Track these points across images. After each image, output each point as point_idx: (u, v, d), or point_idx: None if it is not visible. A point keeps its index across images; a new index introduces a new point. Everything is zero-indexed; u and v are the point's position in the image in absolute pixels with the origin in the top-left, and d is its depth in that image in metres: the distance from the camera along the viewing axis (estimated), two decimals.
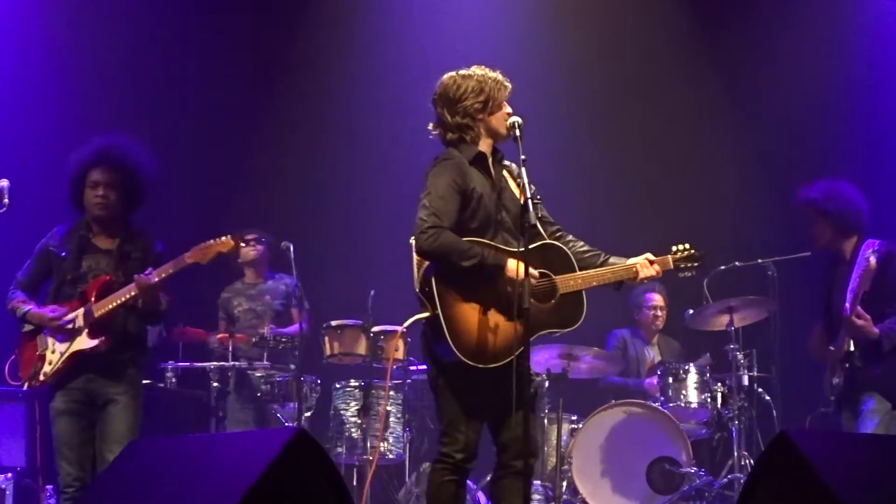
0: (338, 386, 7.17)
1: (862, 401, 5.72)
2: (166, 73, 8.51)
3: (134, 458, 3.85)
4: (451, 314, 4.37)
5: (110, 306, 5.29)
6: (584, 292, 4.48)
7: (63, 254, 5.45)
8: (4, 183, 5.34)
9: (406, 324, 6.58)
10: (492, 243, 4.42)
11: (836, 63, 8.26)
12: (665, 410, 6.90)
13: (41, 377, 5.35)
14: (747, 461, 6.67)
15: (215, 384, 7.18)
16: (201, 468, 3.45)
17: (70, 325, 5.31)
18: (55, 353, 5.35)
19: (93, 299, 5.32)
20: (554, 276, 4.44)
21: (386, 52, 8.82)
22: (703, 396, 7.01)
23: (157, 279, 5.26)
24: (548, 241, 4.52)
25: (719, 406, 7.01)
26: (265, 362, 7.27)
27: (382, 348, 6.94)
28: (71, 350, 5.31)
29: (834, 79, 8.26)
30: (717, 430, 7.20)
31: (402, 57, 8.71)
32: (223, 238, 5.42)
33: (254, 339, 7.33)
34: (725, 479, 6.74)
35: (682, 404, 7.01)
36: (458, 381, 4.44)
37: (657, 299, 7.88)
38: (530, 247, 4.34)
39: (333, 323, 7.15)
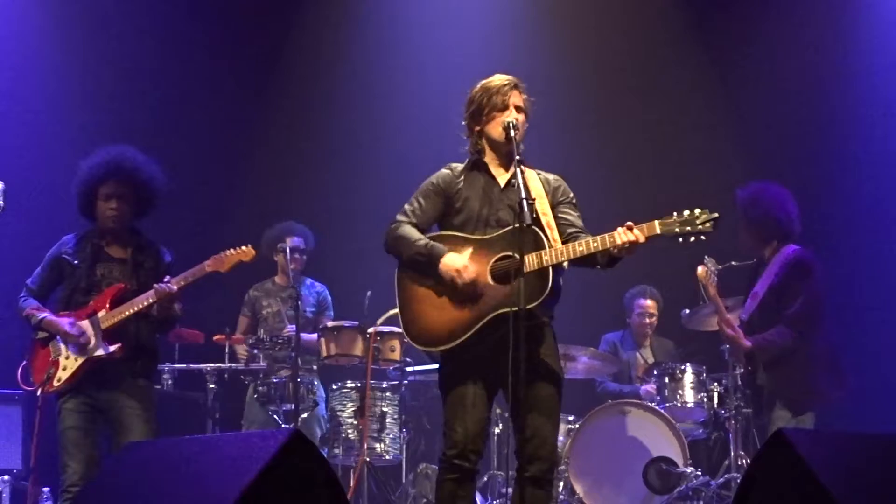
0: (335, 387, 7.18)
1: (769, 411, 5.70)
2: (165, 74, 8.50)
3: (130, 459, 3.85)
4: (405, 301, 4.52)
5: (126, 313, 5.32)
6: (550, 271, 4.31)
7: (76, 262, 5.47)
8: (0, 185, 5.34)
9: (379, 321, 6.63)
10: (459, 234, 4.50)
11: (834, 62, 8.26)
12: (662, 410, 6.90)
13: (55, 382, 5.35)
14: (744, 461, 6.65)
15: (212, 386, 7.16)
16: (197, 470, 3.45)
17: (86, 335, 5.32)
18: (70, 358, 5.36)
19: (108, 307, 5.36)
20: (518, 257, 4.23)
21: (382, 55, 8.84)
22: (699, 396, 7.02)
23: (176, 287, 5.30)
24: (520, 225, 4.29)
25: (716, 406, 7.02)
26: (262, 364, 7.26)
27: (379, 349, 6.95)
28: (87, 356, 5.33)
29: (831, 77, 8.25)
30: (714, 430, 7.22)
31: (397, 62, 8.74)
32: (244, 248, 5.46)
33: (249, 341, 7.32)
34: (722, 479, 6.72)
35: (679, 404, 7.02)
36: (448, 379, 4.49)
37: (648, 305, 7.88)
38: (500, 232, 4.43)
39: (330, 324, 7.18)
